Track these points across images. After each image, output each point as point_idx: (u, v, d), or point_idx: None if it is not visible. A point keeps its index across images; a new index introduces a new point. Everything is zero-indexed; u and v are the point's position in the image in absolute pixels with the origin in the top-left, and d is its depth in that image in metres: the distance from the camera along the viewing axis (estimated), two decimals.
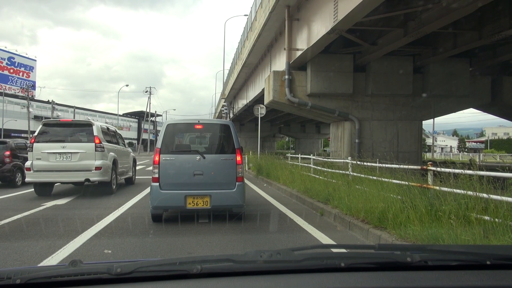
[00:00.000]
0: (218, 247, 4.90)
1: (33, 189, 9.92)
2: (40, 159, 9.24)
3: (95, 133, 9.58)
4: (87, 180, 9.37)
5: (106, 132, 10.61)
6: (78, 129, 9.95)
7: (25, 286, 1.31)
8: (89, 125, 9.86)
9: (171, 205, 6.16)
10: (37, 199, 9.02)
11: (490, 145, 68.53)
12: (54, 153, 9.27)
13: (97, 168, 9.35)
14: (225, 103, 39.87)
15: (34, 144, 9.30)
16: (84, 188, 10.75)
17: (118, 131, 12.47)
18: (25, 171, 9.60)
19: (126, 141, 13.58)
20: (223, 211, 6.33)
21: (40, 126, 9.74)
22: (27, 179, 9.49)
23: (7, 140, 12.85)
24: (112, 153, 10.28)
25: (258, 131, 22.57)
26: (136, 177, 13.66)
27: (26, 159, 10.31)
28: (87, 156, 9.36)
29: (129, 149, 13.11)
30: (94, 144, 9.43)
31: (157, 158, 6.09)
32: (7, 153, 11.65)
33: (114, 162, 10.28)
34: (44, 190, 9.70)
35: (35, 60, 66.45)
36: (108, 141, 10.39)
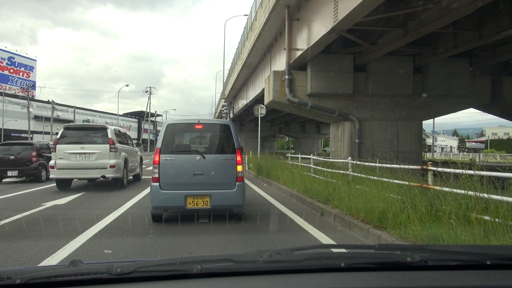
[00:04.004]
0: (218, 247, 4.90)
1: (53, 184, 11.29)
2: (62, 158, 10.48)
3: (109, 136, 10.82)
4: (103, 176, 10.76)
5: (118, 134, 11.84)
6: (94, 132, 11.26)
7: (25, 286, 1.31)
8: (104, 128, 11.22)
9: (171, 205, 6.15)
10: (37, 199, 9.01)
11: (490, 145, 68.52)
12: (74, 153, 10.54)
13: (112, 166, 10.64)
14: (225, 103, 39.88)
15: (57, 145, 10.61)
16: (84, 188, 10.84)
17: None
18: (50, 169, 10.95)
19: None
20: (223, 211, 6.32)
21: (62, 130, 11.05)
22: (51, 176, 10.86)
23: (33, 141, 14.70)
24: (123, 153, 11.49)
25: (258, 131, 22.58)
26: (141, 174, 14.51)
27: (48, 158, 12.18)
28: (103, 155, 10.63)
29: (137, 149, 14.19)
30: (108, 145, 10.71)
31: (157, 158, 6.09)
32: (34, 153, 13.34)
33: (125, 161, 11.50)
34: (65, 185, 11.03)
35: (35, 60, 66.46)
36: (120, 142, 11.56)
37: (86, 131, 11.38)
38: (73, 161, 10.50)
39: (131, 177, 12.94)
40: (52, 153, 10.99)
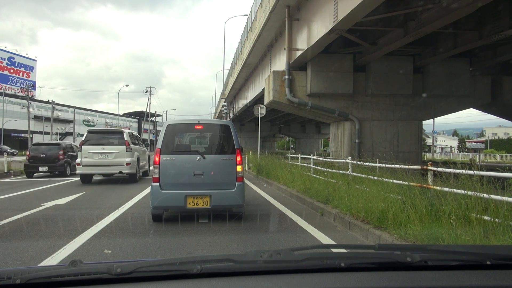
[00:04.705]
0: (218, 247, 4.90)
1: (76, 178, 13.58)
2: (87, 157, 12.53)
3: (125, 138, 12.89)
4: (120, 172, 12.80)
5: (132, 136, 13.99)
6: (113, 135, 13.33)
7: (25, 286, 1.31)
8: (121, 132, 13.40)
9: (171, 205, 6.17)
10: (37, 199, 9.01)
11: (490, 145, 68.53)
12: (96, 152, 12.57)
13: (127, 164, 12.73)
14: (225, 103, 39.88)
15: (83, 146, 12.64)
16: (85, 188, 10.83)
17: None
18: (76, 166, 12.98)
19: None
20: (223, 211, 6.34)
21: (86, 133, 13.23)
22: (77, 171, 12.94)
23: (61, 142, 17.52)
24: (136, 152, 13.58)
25: (258, 131, 22.58)
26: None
27: (72, 156, 15.86)
28: (120, 155, 12.68)
29: (145, 148, 16.18)
30: (125, 146, 12.74)
31: (157, 158, 6.11)
32: (61, 152, 15.81)
33: (138, 159, 13.63)
34: (87, 179, 13.06)
35: (35, 60, 66.46)
36: (133, 143, 13.59)
37: (106, 135, 13.53)
38: (96, 159, 12.59)
39: (141, 173, 14.57)
40: (78, 152, 13.24)
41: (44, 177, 15.34)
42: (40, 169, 15.47)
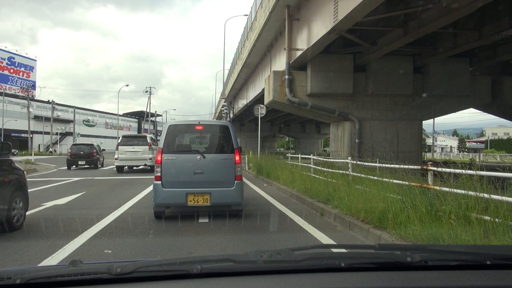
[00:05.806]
0: (218, 247, 4.90)
1: (107, 169, 19.10)
2: (122, 154, 17.57)
3: (148, 141, 18.19)
4: (145, 165, 17.86)
5: (152, 139, 19.45)
6: (139, 138, 18.86)
7: (25, 286, 1.30)
8: (145, 136, 19.08)
9: (173, 202, 6.36)
10: (37, 199, 9.01)
11: (490, 145, 68.54)
12: (129, 150, 17.63)
13: (150, 158, 17.41)
14: (225, 103, 39.87)
15: (119, 146, 17.79)
16: (85, 188, 10.84)
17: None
18: (114, 160, 18.21)
19: None
20: (222, 209, 6.43)
21: (121, 138, 18.76)
22: (115, 164, 18.11)
23: (93, 143, 23.64)
24: (155, 151, 16.19)
25: (258, 131, 22.58)
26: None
27: (101, 155, 22.61)
28: (145, 152, 17.74)
29: None
30: (148, 146, 17.85)
31: (159, 158, 6.29)
32: (94, 150, 21.69)
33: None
34: (121, 169, 18.05)
35: (35, 60, 66.47)
36: (153, 144, 18.45)
37: (134, 138, 19.32)
38: (128, 155, 17.61)
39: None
40: (115, 150, 18.13)
41: (83, 169, 20.67)
42: (80, 162, 21.13)
